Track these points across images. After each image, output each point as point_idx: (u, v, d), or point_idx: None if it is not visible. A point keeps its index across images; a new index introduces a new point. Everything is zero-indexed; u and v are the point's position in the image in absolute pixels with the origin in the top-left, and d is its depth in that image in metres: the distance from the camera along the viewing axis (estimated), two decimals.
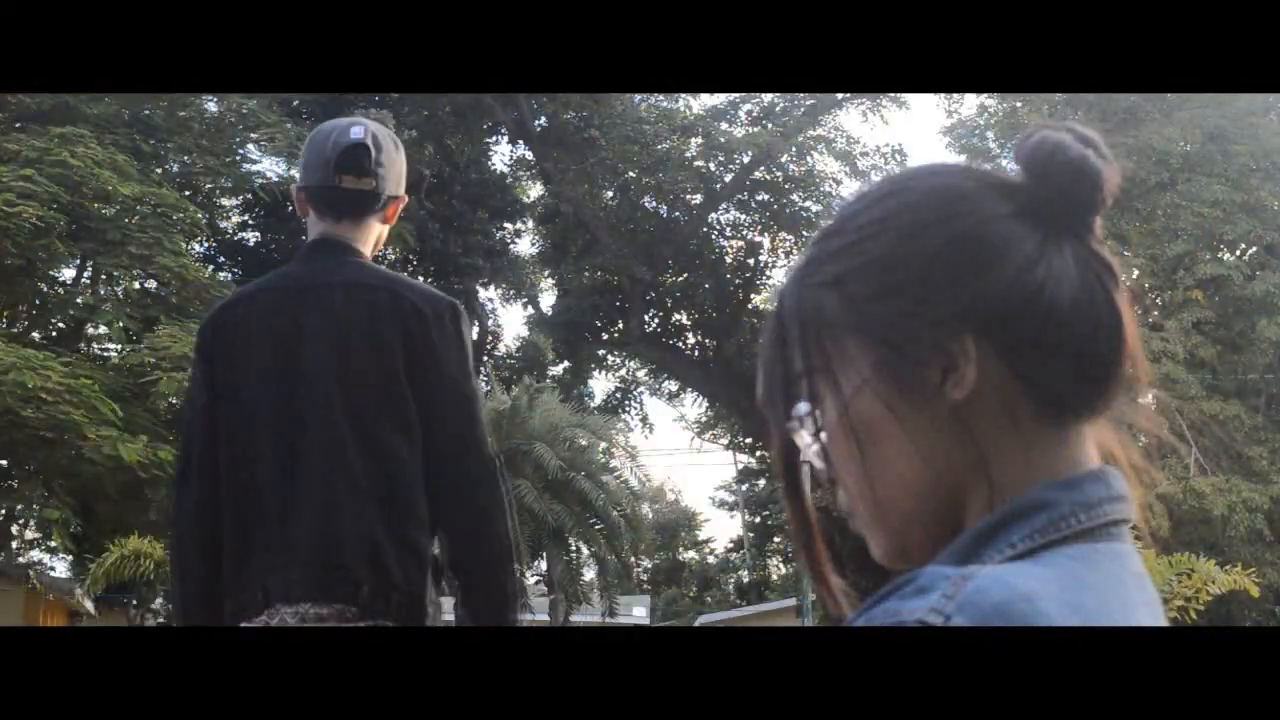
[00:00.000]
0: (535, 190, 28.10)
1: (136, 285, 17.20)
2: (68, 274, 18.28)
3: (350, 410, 2.14)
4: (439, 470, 2.13)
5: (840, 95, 22.96)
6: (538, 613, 23.53)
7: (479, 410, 2.18)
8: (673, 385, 28.86)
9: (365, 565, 2.09)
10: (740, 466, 38.73)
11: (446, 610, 2.25)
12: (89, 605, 19.04)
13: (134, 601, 21.95)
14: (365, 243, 2.29)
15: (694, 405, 30.96)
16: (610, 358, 27.42)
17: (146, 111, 18.36)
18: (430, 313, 2.17)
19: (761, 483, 37.54)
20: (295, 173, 17.16)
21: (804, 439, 0.82)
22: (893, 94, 23.24)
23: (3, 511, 17.82)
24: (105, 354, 18.48)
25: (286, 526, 2.12)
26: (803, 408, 0.81)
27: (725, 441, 32.96)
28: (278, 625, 2.11)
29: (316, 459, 2.13)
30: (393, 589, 2.09)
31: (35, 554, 20.59)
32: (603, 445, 21.82)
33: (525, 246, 29.16)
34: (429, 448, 2.13)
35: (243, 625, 2.13)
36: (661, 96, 23.80)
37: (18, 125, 16.91)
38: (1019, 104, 23.21)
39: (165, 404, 16.07)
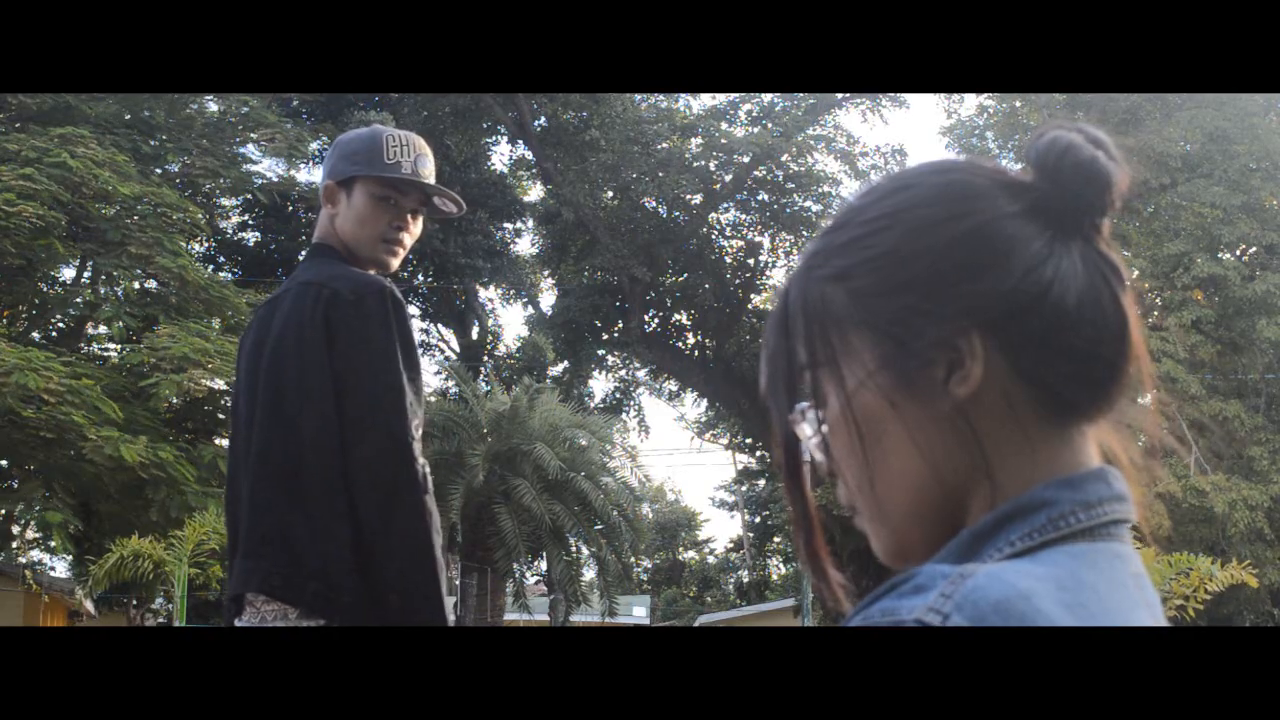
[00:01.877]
0: (535, 190, 28.12)
1: (136, 285, 17.20)
2: (68, 274, 18.29)
3: (279, 402, 2.20)
4: (347, 453, 2.14)
5: (840, 95, 22.95)
6: (537, 613, 23.54)
7: (389, 393, 2.16)
8: (673, 385, 28.86)
9: (274, 555, 2.13)
10: (740, 466, 38.73)
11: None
12: (89, 605, 19.05)
13: (134, 602, 21.96)
14: (323, 233, 2.40)
15: (694, 405, 30.99)
16: (610, 358, 27.42)
17: (147, 112, 18.36)
18: (350, 296, 2.21)
19: (761, 483, 37.54)
20: (294, 173, 16.85)
21: (806, 431, 0.82)
22: (893, 94, 23.23)
23: (2, 512, 17.82)
24: (105, 354, 18.49)
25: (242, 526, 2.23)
26: (805, 400, 0.81)
27: (725, 441, 32.97)
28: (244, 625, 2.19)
29: (253, 457, 2.22)
30: (308, 578, 2.11)
31: (35, 554, 20.59)
32: (603, 445, 21.82)
33: (525, 246, 29.19)
34: (341, 431, 2.15)
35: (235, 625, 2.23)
36: (661, 96, 23.79)
37: (17, 125, 16.90)
38: (1019, 104, 23.21)
39: (165, 404, 16.08)
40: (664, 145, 22.62)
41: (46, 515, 14.60)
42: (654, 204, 23.21)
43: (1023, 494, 0.74)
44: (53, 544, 16.98)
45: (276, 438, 2.19)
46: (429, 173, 2.42)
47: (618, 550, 21.43)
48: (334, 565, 2.11)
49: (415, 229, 2.43)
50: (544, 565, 22.68)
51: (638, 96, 23.38)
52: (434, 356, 30.41)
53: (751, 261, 24.23)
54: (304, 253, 2.46)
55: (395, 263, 2.40)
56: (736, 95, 23.68)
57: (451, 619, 2.13)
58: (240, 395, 2.33)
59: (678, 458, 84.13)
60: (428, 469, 2.19)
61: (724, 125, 23.68)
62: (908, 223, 0.78)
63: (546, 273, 28.16)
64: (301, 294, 2.26)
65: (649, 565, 42.69)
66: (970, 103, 25.22)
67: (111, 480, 14.67)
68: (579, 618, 23.79)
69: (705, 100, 24.42)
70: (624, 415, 27.30)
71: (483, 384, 24.97)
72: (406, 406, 2.17)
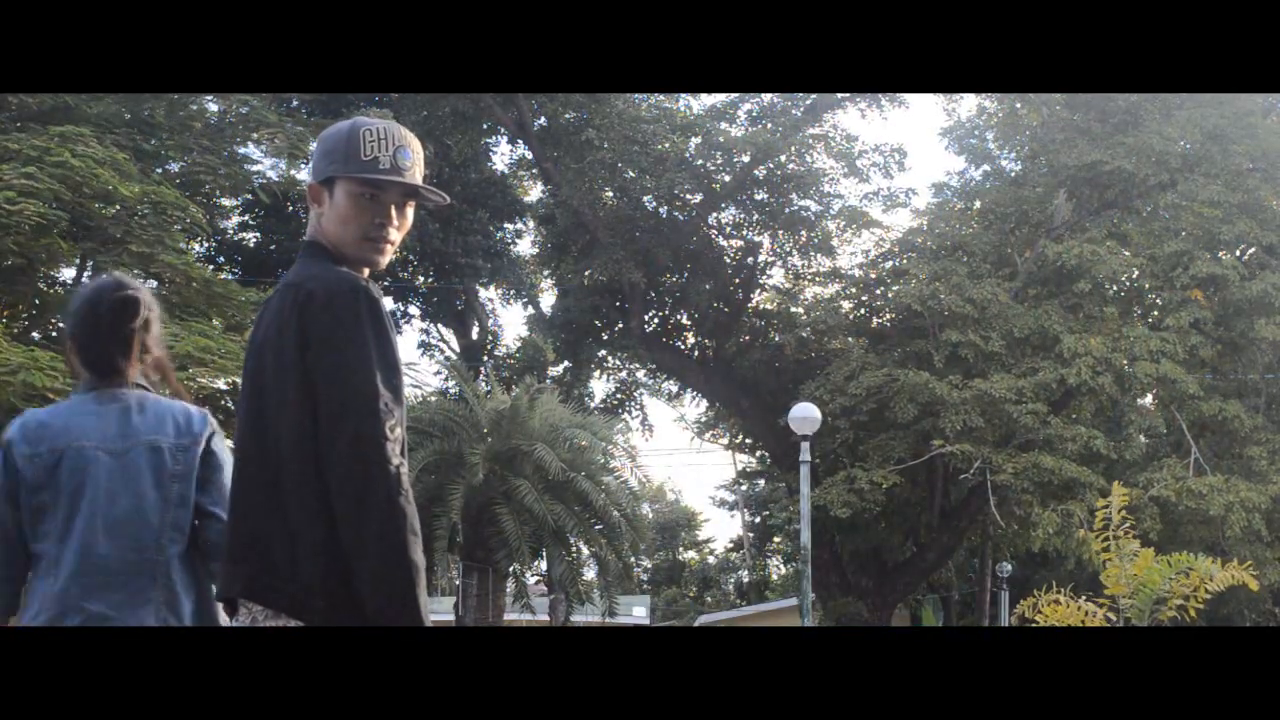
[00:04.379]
0: (535, 190, 28.11)
1: None
2: (68, 274, 18.27)
3: (252, 408, 2.24)
4: (320, 456, 2.14)
5: (840, 95, 22.94)
6: (539, 612, 23.56)
7: (359, 394, 2.15)
8: (673, 385, 28.86)
9: (253, 561, 2.17)
10: (740, 466, 38.75)
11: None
12: None
13: None
14: (313, 231, 2.39)
15: (694, 405, 31.00)
16: (610, 359, 27.43)
17: (147, 112, 18.36)
18: (321, 298, 2.20)
19: (761, 483, 37.55)
20: (294, 172, 16.85)
21: None
22: (893, 94, 23.21)
23: None
24: None
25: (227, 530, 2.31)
26: None
27: (725, 441, 32.98)
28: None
29: (235, 462, 2.28)
30: (285, 582, 2.14)
31: None
32: (603, 445, 21.84)
33: (525, 246, 29.19)
34: (315, 434, 2.15)
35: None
36: (661, 96, 23.77)
37: (18, 125, 16.90)
38: (1019, 104, 23.21)
39: None
40: (663, 145, 22.62)
41: None
42: (653, 203, 23.21)
43: None
44: None
45: (255, 443, 2.21)
46: (410, 164, 2.37)
47: (618, 550, 21.45)
48: (307, 569, 2.13)
49: (402, 221, 2.40)
50: (544, 565, 22.69)
51: (637, 96, 23.36)
52: (434, 356, 30.45)
53: (751, 261, 24.22)
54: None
55: (383, 260, 2.38)
56: (736, 95, 23.67)
57: (429, 620, 2.13)
58: (240, 398, 2.38)
59: (678, 458, 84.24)
60: (404, 469, 2.16)
61: (724, 125, 23.66)
62: None
63: (546, 273, 28.16)
64: (283, 296, 2.26)
65: (649, 565, 42.70)
66: (970, 103, 25.22)
67: None
68: (579, 618, 23.81)
69: (705, 100, 24.42)
70: (625, 415, 27.31)
71: (483, 384, 24.97)
72: (379, 408, 2.14)
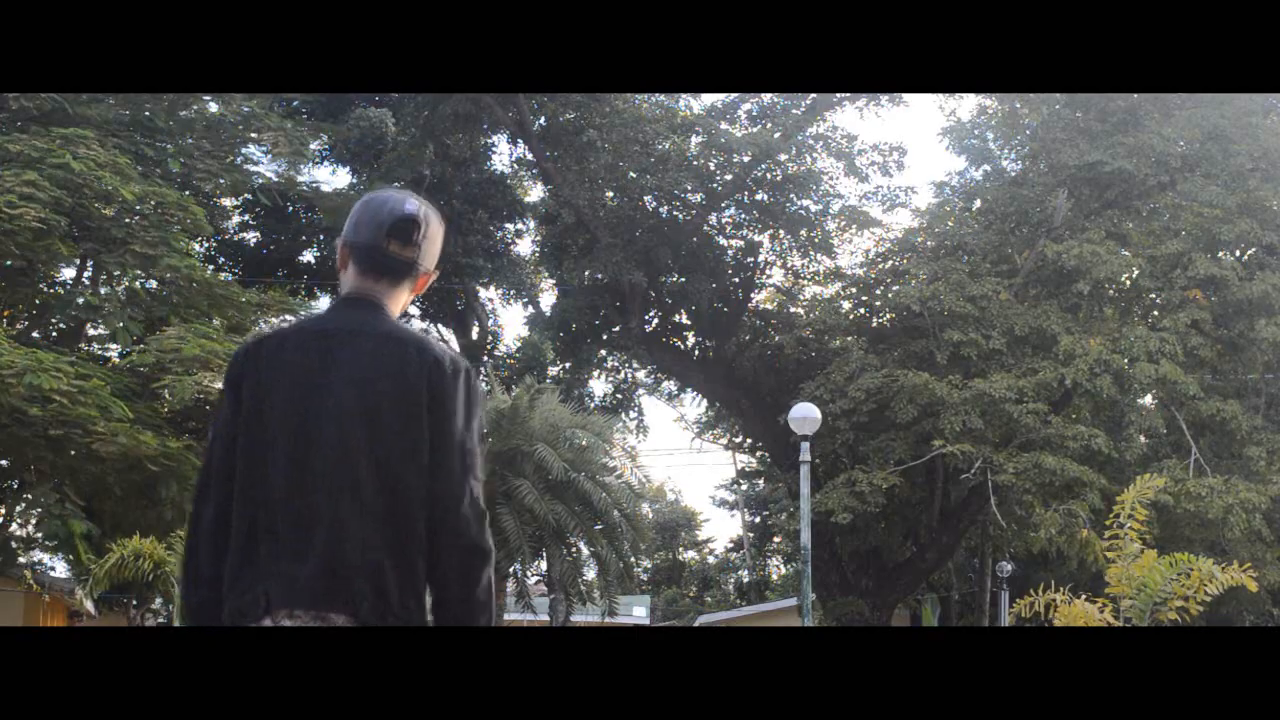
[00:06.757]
0: (536, 191, 28.09)
1: (139, 285, 17.16)
2: (68, 274, 18.26)
3: (371, 442, 2.39)
4: (437, 510, 2.39)
5: (839, 95, 22.93)
6: (539, 612, 23.57)
7: (475, 463, 2.46)
8: (673, 385, 28.84)
9: (367, 582, 2.32)
10: (740, 466, 38.74)
11: None
12: (89, 605, 19.02)
13: (134, 602, 21.95)
14: (394, 303, 2.59)
15: (694, 405, 30.99)
16: (610, 359, 27.39)
17: (147, 113, 18.34)
18: (449, 369, 2.47)
19: (761, 483, 37.55)
20: (294, 174, 16.92)
21: None
22: (892, 94, 23.20)
23: (2, 513, 17.79)
24: (105, 353, 18.48)
25: (296, 539, 2.34)
26: None
27: (725, 441, 32.97)
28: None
29: (333, 482, 2.37)
30: (389, 610, 2.31)
31: (35, 554, 20.57)
32: (604, 445, 21.83)
33: (525, 246, 29.18)
34: (432, 487, 2.40)
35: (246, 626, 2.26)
36: (662, 96, 23.76)
37: (18, 125, 16.88)
38: (1019, 104, 23.20)
39: (168, 405, 16.09)
40: (663, 145, 22.60)
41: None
42: (654, 203, 23.20)
43: None
44: (57, 548, 16.84)
45: (373, 472, 2.37)
46: None
47: (618, 550, 21.45)
48: (414, 606, 2.35)
49: None
50: (545, 565, 22.69)
51: (637, 96, 23.34)
52: None
53: (751, 261, 24.21)
54: (347, 300, 2.59)
55: None
56: (736, 95, 23.65)
57: None
58: (275, 412, 2.41)
59: (678, 458, 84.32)
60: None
61: (724, 125, 23.64)
62: None
63: (546, 273, 28.13)
64: (397, 349, 2.46)
65: (649, 565, 42.69)
66: (970, 103, 25.21)
67: (118, 479, 14.65)
68: (579, 618, 23.82)
69: (705, 100, 24.39)
70: (624, 416, 27.28)
71: (483, 384, 24.96)
72: (481, 477, 2.45)
